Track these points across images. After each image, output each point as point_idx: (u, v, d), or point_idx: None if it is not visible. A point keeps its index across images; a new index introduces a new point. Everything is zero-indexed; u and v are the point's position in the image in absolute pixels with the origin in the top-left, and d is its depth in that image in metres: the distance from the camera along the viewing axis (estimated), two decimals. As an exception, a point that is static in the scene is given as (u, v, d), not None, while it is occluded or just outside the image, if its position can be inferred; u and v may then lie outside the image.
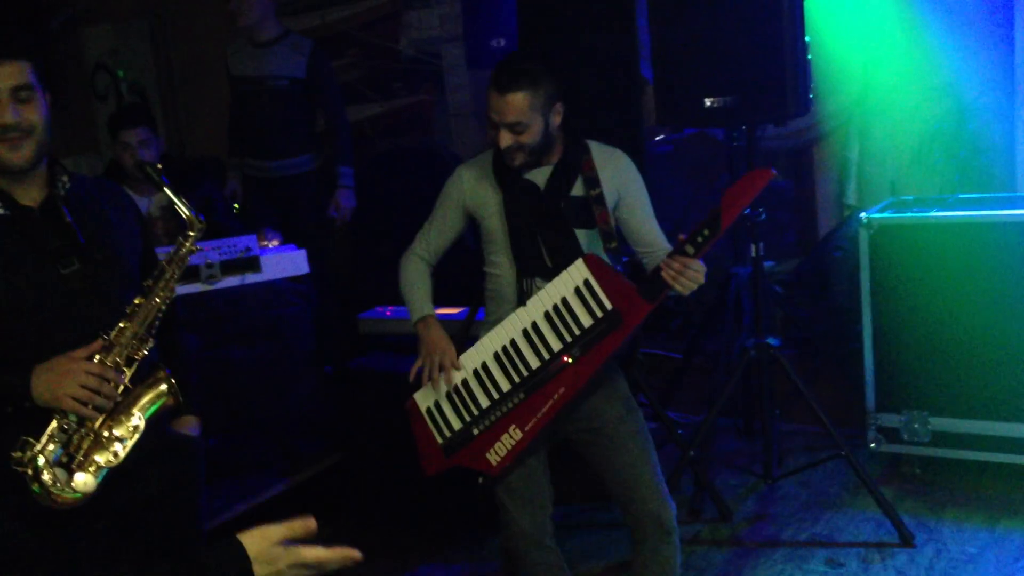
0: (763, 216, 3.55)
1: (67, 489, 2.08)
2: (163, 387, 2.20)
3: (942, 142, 4.35)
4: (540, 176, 2.76)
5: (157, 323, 2.22)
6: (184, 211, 2.24)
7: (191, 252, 2.25)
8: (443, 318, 2.87)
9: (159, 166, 2.28)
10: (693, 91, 3.46)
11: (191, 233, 2.26)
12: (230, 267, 3.82)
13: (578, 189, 2.76)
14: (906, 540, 3.35)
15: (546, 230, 2.74)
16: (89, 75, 6.69)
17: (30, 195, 2.24)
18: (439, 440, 2.71)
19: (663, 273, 2.51)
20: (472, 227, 2.93)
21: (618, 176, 2.80)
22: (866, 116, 4.58)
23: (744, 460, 4.14)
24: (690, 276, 2.50)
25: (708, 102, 3.44)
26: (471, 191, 2.83)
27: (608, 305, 2.59)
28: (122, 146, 3.97)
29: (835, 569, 3.26)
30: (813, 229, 4.78)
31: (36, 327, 2.17)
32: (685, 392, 4.44)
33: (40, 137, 2.20)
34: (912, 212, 3.76)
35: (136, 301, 2.22)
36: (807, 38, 3.39)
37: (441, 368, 2.69)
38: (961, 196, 4.02)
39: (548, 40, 3.73)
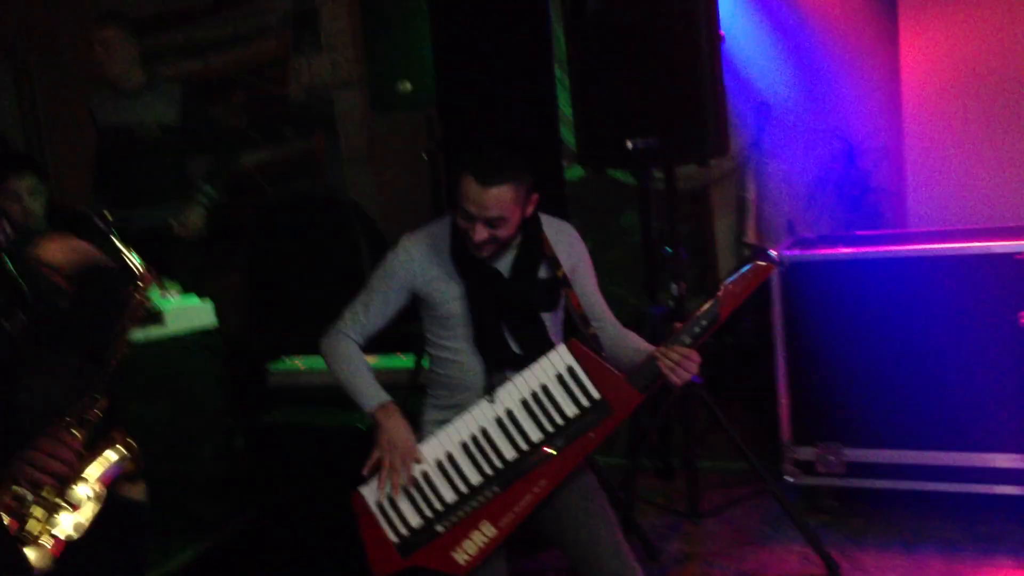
0: (685, 256, 3.59)
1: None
2: (121, 450, 2.02)
3: (834, 182, 4.52)
4: (503, 263, 2.62)
5: (110, 381, 2.05)
6: (134, 262, 2.09)
7: (143, 304, 2.09)
8: (383, 365, 2.73)
9: (106, 214, 2.12)
10: (614, 132, 3.48)
11: (141, 284, 2.11)
12: (130, 321, 3.59)
13: (542, 272, 2.65)
14: (832, 571, 3.39)
15: (513, 318, 2.59)
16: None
17: None
18: (393, 539, 2.47)
19: (660, 363, 2.44)
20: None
21: (571, 250, 2.73)
22: (761, 157, 4.72)
23: (663, 499, 4.14)
24: (687, 367, 2.44)
25: (630, 144, 3.47)
26: (423, 273, 2.63)
27: (596, 394, 2.45)
28: (10, 196, 3.70)
29: (770, 604, 3.27)
30: (714, 268, 4.87)
31: None
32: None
33: None
34: (818, 249, 3.88)
35: None
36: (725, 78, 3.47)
37: (403, 465, 2.48)
38: (860, 233, 4.18)
39: (465, 78, 3.68)
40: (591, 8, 3.52)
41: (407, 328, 2.77)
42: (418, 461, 2.49)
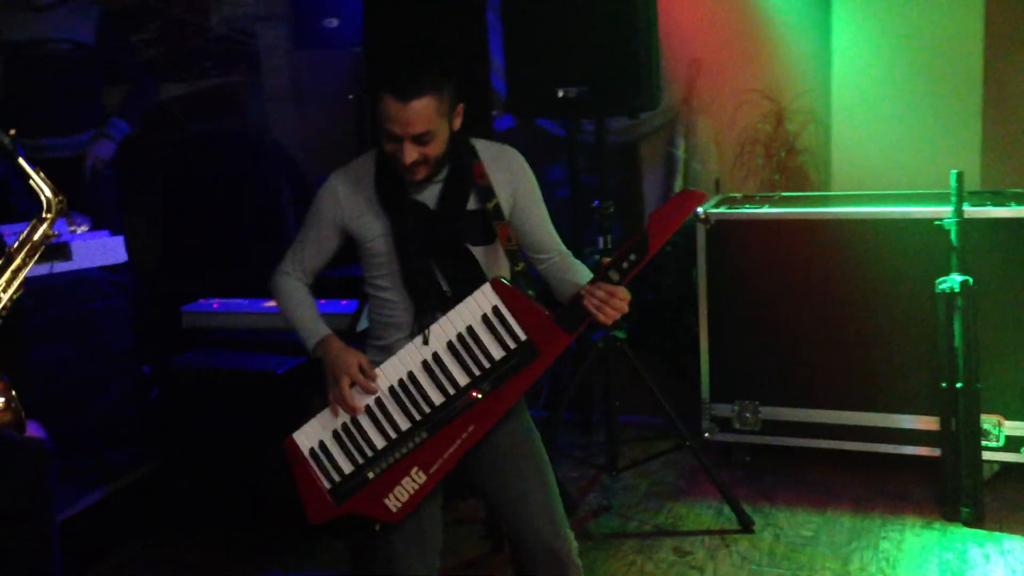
0: (611, 209, 3.56)
1: None
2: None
3: (762, 142, 4.53)
4: (429, 194, 2.50)
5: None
6: (44, 189, 1.95)
7: (48, 237, 1.96)
8: (324, 310, 2.61)
9: (12, 132, 1.97)
10: (544, 81, 3.43)
11: (48, 215, 1.97)
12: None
13: (472, 203, 2.51)
14: (746, 526, 3.44)
15: (442, 256, 2.48)
16: None
17: None
18: (326, 485, 2.39)
19: (585, 302, 2.29)
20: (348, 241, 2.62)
21: (511, 178, 2.56)
22: (691, 115, 4.71)
23: (582, 452, 4.15)
24: (615, 305, 2.28)
25: (560, 92, 3.41)
26: (349, 209, 2.53)
27: (521, 335, 2.35)
28: None
29: (683, 557, 3.30)
30: (639, 224, 4.86)
31: None
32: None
33: None
34: (743, 208, 3.89)
35: None
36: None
37: (364, 375, 2.39)
38: (785, 194, 4.20)
39: (394, 17, 3.56)
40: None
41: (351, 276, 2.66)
42: (371, 374, 2.40)
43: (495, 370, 2.37)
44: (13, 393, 1.90)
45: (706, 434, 3.93)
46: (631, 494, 3.77)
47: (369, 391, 2.40)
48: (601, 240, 3.59)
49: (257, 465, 3.32)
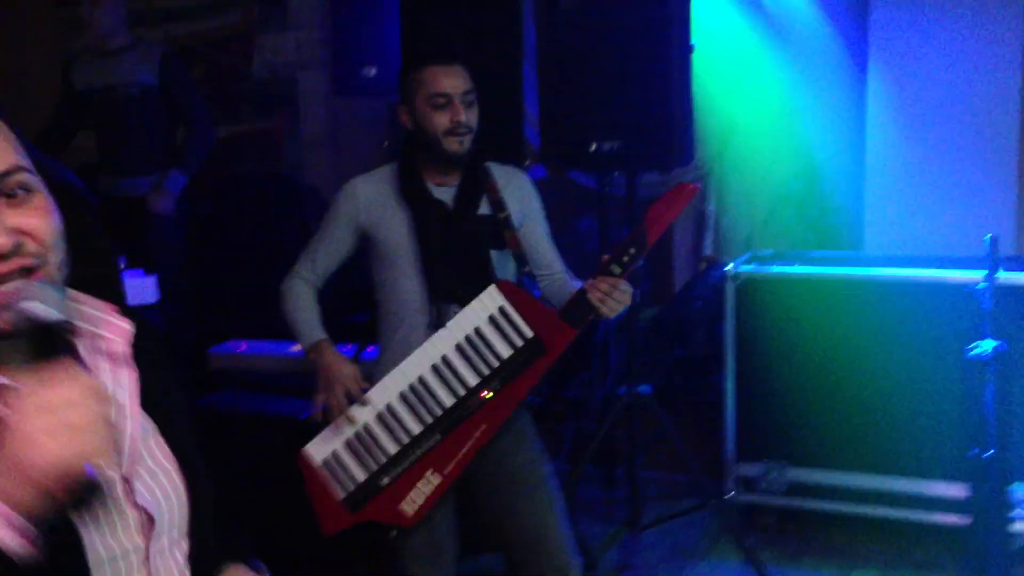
0: (642, 262, 3.54)
1: None
2: None
3: (794, 200, 4.52)
4: (445, 195, 2.61)
5: None
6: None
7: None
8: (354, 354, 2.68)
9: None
10: (578, 134, 3.44)
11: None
12: (67, 292, 3.47)
13: (484, 208, 2.62)
14: (768, 590, 3.38)
15: (458, 253, 2.57)
16: None
17: None
18: (340, 494, 2.43)
19: (589, 295, 2.39)
20: (361, 251, 2.70)
21: (520, 196, 2.69)
22: (724, 171, 4.71)
23: (604, 508, 4.10)
24: (617, 297, 2.39)
25: (593, 146, 3.42)
26: (368, 207, 2.61)
27: (528, 333, 2.44)
28: None
29: (704, 620, 3.25)
30: (668, 279, 4.86)
31: None
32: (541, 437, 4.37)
33: None
34: (774, 266, 3.87)
35: None
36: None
37: (350, 398, 2.45)
38: (816, 252, 4.17)
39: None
40: (564, 7, 3.47)
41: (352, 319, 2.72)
42: (364, 387, 2.47)
43: (504, 368, 2.44)
44: None
45: (731, 494, 3.88)
46: (653, 552, 3.72)
47: (360, 402, 2.46)
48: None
49: (279, 508, 3.30)
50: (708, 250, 4.73)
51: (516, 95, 3.64)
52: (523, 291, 2.52)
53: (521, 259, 2.61)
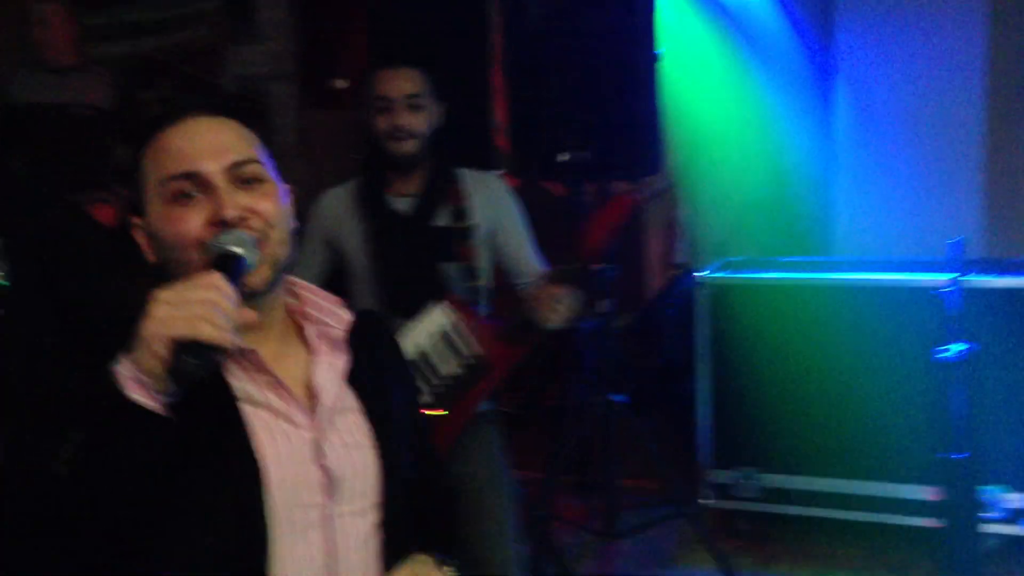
0: (614, 272, 3.55)
1: None
2: None
3: (764, 206, 4.54)
4: (405, 204, 2.62)
5: None
6: None
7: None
8: None
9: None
10: (547, 143, 3.43)
11: None
12: None
13: (444, 219, 2.62)
14: (744, 597, 3.39)
15: (413, 265, 2.58)
16: None
17: None
18: None
19: (527, 307, 2.42)
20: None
21: (492, 204, 2.68)
22: (694, 178, 4.73)
23: (579, 517, 4.09)
24: (552, 307, 2.39)
25: (562, 156, 3.42)
26: (332, 220, 2.64)
27: (475, 351, 2.46)
28: None
29: (681, 628, 3.25)
30: (641, 287, 4.87)
31: None
32: (515, 447, 4.35)
33: None
34: (745, 273, 3.88)
35: None
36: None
37: None
38: (787, 258, 4.19)
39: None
40: (530, 17, 3.48)
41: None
42: None
43: (453, 387, 2.45)
44: None
45: (704, 501, 3.88)
46: (629, 562, 3.72)
47: None
48: (603, 303, 3.58)
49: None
50: (680, 257, 4.75)
51: (484, 103, 3.64)
52: (470, 307, 2.53)
53: (471, 271, 2.60)
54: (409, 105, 2.55)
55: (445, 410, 2.45)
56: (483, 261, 2.65)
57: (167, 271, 1.36)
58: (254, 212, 1.35)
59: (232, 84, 5.32)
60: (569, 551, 3.78)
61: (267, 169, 1.41)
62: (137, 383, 1.18)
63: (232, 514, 1.31)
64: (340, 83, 4.04)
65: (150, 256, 1.40)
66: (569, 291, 2.42)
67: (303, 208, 2.85)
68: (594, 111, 3.36)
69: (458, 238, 2.60)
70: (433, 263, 2.59)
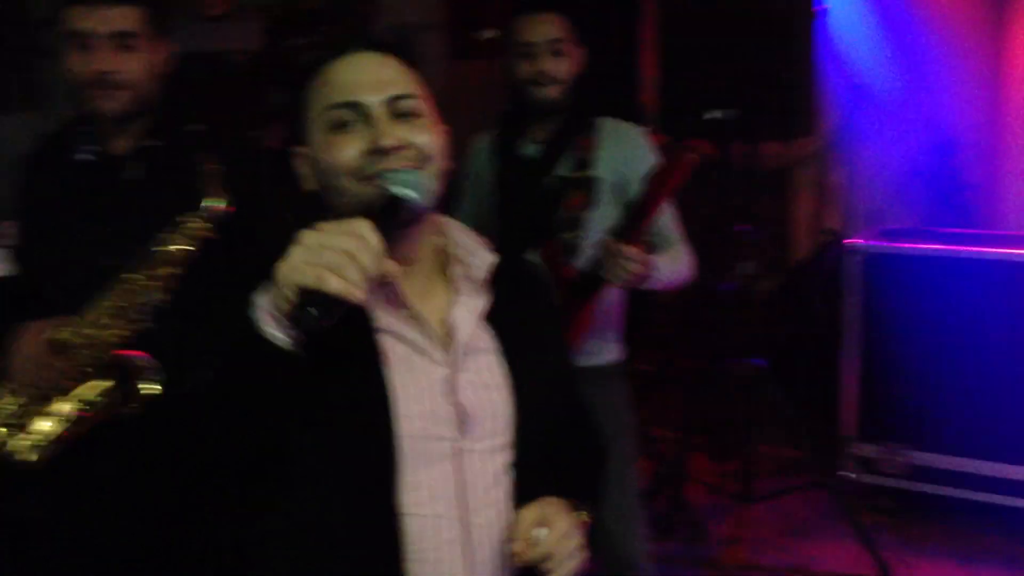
0: (758, 235, 3.46)
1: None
2: (111, 383, 1.95)
3: (926, 174, 4.33)
4: (533, 150, 2.63)
5: (142, 309, 1.99)
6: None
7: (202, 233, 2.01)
8: None
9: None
10: (696, 102, 3.36)
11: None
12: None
13: (565, 168, 2.59)
14: (883, 574, 3.28)
15: (528, 210, 2.59)
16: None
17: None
18: None
19: (597, 263, 2.38)
20: None
21: (624, 157, 2.60)
22: (851, 141, 4.54)
23: (714, 480, 4.04)
24: (621, 264, 2.32)
25: (711, 114, 3.34)
26: (477, 164, 2.72)
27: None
28: None
29: (815, 600, 3.18)
30: (787, 251, 4.72)
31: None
32: (651, 405, 4.32)
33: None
34: (902, 242, 3.71)
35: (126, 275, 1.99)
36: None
37: None
38: (947, 229, 3.99)
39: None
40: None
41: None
42: None
43: None
44: (137, 384, 2.01)
45: (847, 473, 3.77)
46: (765, 528, 3.65)
47: None
48: (746, 266, 3.49)
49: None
50: (831, 223, 4.57)
51: (632, 57, 3.56)
52: (559, 256, 2.52)
53: (573, 221, 2.56)
54: (552, 51, 2.52)
55: None
56: (602, 213, 2.58)
57: (325, 200, 1.40)
58: (411, 144, 1.37)
59: (383, 32, 5.38)
60: (703, 512, 3.73)
61: (425, 105, 1.43)
62: (272, 317, 1.21)
63: (362, 441, 1.34)
64: (488, 33, 4.02)
65: (310, 184, 1.43)
66: (641, 251, 2.34)
67: (452, 156, 2.90)
68: (746, 68, 3.27)
69: (573, 187, 2.58)
70: (547, 210, 2.58)
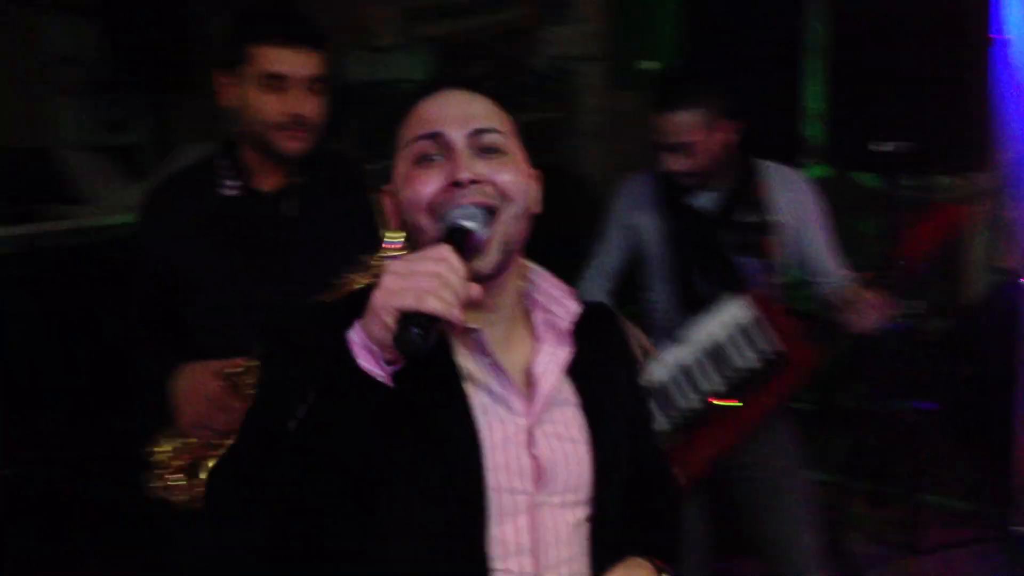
0: (928, 271, 3.32)
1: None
2: None
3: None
4: (705, 200, 2.59)
5: None
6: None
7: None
8: None
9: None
10: (865, 133, 3.26)
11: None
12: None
13: (749, 215, 2.56)
14: (1059, 637, 3.07)
15: (710, 260, 2.56)
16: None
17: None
18: None
19: (836, 309, 2.35)
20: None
21: (795, 200, 2.59)
22: (1028, 176, 4.29)
23: (871, 526, 3.87)
24: (863, 312, 2.31)
25: (880, 146, 3.23)
26: (633, 208, 2.68)
27: (776, 347, 2.41)
28: None
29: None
30: (958, 289, 4.51)
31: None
32: (811, 446, 4.18)
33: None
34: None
35: None
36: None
37: None
38: None
39: (710, 61, 3.54)
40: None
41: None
42: None
43: (749, 379, 2.41)
44: None
45: (1022, 528, 3.54)
46: (928, 581, 3.47)
47: None
48: (914, 304, 3.36)
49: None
50: (1007, 261, 4.33)
51: (794, 90, 3.50)
52: (774, 303, 2.49)
53: (774, 267, 2.55)
54: (680, 150, 2.47)
55: (739, 401, 2.41)
56: (783, 257, 2.58)
57: (408, 237, 1.40)
58: (490, 181, 1.34)
59: (544, 64, 5.44)
60: (868, 562, 3.58)
61: (511, 142, 1.40)
62: (366, 351, 1.20)
63: (449, 489, 1.32)
64: (650, 65, 4.02)
65: (392, 223, 1.42)
66: (882, 297, 2.30)
67: (608, 191, 2.91)
68: (918, 100, 3.16)
69: (761, 233, 2.54)
70: (733, 258, 2.56)
